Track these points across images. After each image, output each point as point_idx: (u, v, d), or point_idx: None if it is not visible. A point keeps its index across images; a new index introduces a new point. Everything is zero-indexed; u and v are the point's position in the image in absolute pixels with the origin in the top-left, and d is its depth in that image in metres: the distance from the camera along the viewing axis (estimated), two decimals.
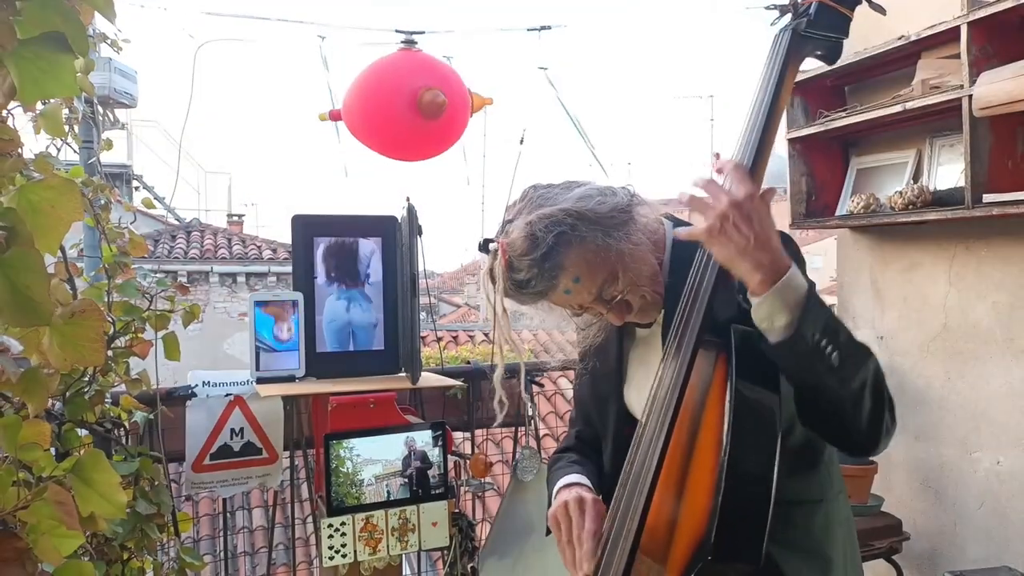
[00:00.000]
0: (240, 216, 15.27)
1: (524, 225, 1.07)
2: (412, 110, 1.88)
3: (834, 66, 2.61)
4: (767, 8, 1.08)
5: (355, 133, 2.07)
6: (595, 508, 1.15)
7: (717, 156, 1.01)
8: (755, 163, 0.99)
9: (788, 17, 1.05)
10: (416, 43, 2.13)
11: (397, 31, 2.16)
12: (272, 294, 2.02)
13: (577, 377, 1.39)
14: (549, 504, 1.24)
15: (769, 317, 0.92)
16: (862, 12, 1.06)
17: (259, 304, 1.95)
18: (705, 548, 0.89)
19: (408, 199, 2.05)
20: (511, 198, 1.19)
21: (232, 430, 2.07)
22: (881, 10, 1.04)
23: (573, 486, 1.22)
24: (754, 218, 0.91)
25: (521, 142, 2.43)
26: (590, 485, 1.23)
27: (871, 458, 2.67)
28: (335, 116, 2.07)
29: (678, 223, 1.19)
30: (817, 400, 0.98)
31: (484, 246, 1.12)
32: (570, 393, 1.96)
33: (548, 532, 1.21)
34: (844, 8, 1.03)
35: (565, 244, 1.06)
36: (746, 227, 0.91)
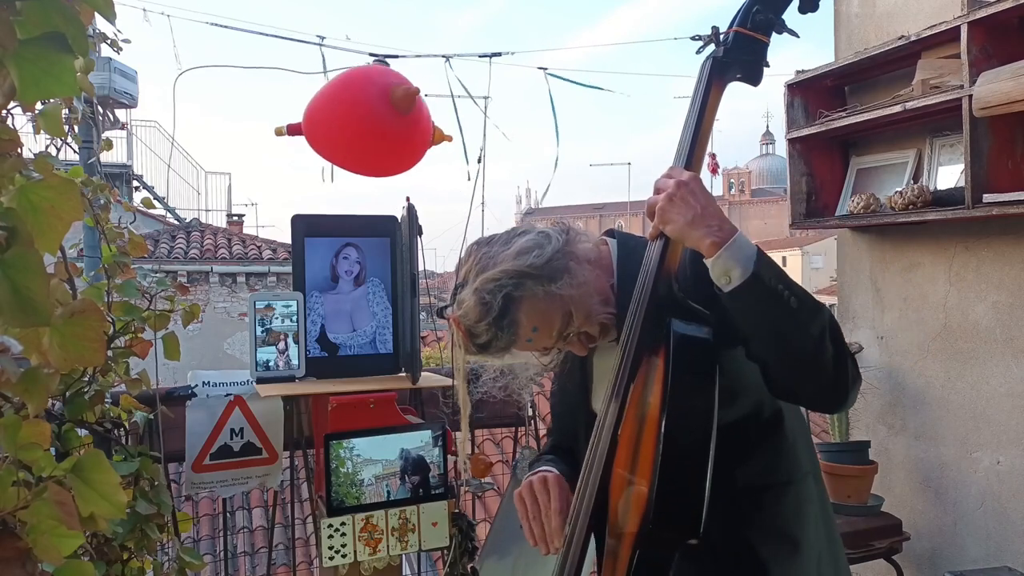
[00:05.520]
0: (240, 216, 15.25)
1: (472, 294, 1.15)
2: (385, 103, 1.82)
3: (834, 66, 2.63)
4: (692, 39, 1.17)
5: (319, 141, 1.92)
6: (558, 484, 1.23)
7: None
8: None
9: (712, 46, 1.15)
10: (389, 64, 2.11)
11: (371, 55, 2.18)
12: (272, 294, 2.02)
13: (552, 392, 1.50)
14: None
15: (725, 273, 1.02)
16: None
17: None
18: (648, 519, 0.99)
19: (408, 199, 2.05)
20: (460, 255, 1.29)
21: (232, 430, 2.07)
22: (795, 34, 1.14)
23: (537, 470, 1.30)
24: (699, 193, 1.05)
25: (479, 161, 2.47)
26: (555, 470, 1.30)
27: (871, 459, 2.68)
28: (294, 130, 1.93)
29: (622, 236, 1.30)
30: (783, 353, 1.05)
31: (440, 313, 1.23)
32: None
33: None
34: (760, 35, 1.11)
35: (514, 302, 1.14)
36: (693, 199, 1.05)
